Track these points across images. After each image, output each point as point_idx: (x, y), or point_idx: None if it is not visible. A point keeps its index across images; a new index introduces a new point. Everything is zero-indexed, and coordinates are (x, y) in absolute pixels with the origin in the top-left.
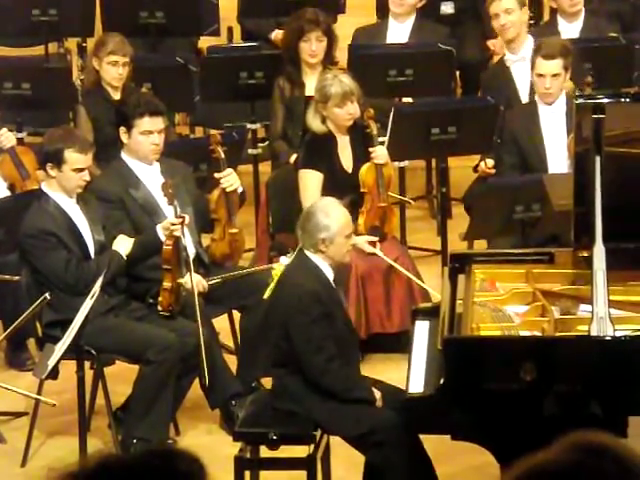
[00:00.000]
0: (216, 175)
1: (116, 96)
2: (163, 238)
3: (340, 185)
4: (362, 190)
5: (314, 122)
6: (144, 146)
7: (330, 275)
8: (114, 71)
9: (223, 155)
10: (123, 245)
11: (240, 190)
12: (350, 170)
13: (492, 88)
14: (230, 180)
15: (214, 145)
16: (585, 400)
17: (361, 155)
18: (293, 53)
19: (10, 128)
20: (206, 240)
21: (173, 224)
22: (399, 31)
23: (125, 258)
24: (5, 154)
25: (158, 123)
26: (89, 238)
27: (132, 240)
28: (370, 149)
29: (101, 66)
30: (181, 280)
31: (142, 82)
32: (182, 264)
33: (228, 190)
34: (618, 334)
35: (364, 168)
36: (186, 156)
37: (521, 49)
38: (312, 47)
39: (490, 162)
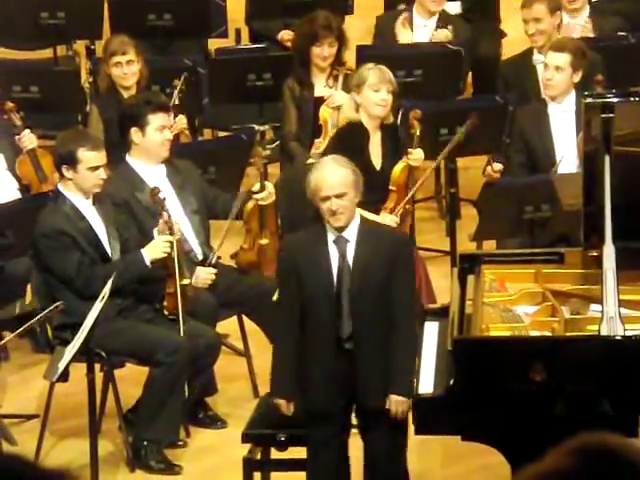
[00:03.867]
0: (253, 189)
1: (127, 93)
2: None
3: (367, 181)
4: (390, 187)
5: (348, 108)
6: (159, 142)
7: (331, 236)
8: (119, 71)
9: (263, 169)
10: (151, 250)
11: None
12: (378, 167)
13: (512, 82)
14: (267, 196)
15: (256, 159)
16: (595, 400)
17: (391, 154)
18: (304, 56)
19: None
20: (233, 247)
21: (164, 241)
22: (423, 29)
23: (149, 264)
24: (25, 155)
25: (167, 119)
26: (105, 240)
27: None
28: (409, 150)
29: (110, 70)
30: (185, 282)
31: (150, 84)
32: (184, 266)
33: (262, 204)
34: (628, 334)
35: (399, 167)
36: (195, 158)
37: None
38: (324, 52)
39: (497, 166)
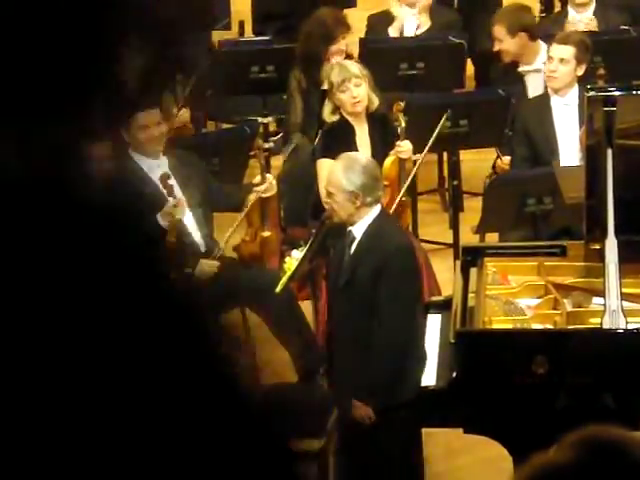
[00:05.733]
0: (254, 182)
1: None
2: (164, 224)
3: None
4: (383, 182)
5: (325, 111)
6: (142, 140)
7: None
8: None
9: (264, 161)
10: None
11: None
12: None
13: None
14: (268, 188)
15: (256, 151)
16: (597, 393)
17: (380, 145)
18: (319, 56)
19: None
20: (235, 239)
21: (175, 206)
22: (411, 17)
23: None
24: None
25: (153, 116)
26: None
27: None
28: (397, 142)
29: None
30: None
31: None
32: (189, 254)
33: (264, 196)
34: (630, 327)
35: (388, 162)
36: (198, 150)
37: (537, 60)
38: (342, 46)
39: (506, 158)
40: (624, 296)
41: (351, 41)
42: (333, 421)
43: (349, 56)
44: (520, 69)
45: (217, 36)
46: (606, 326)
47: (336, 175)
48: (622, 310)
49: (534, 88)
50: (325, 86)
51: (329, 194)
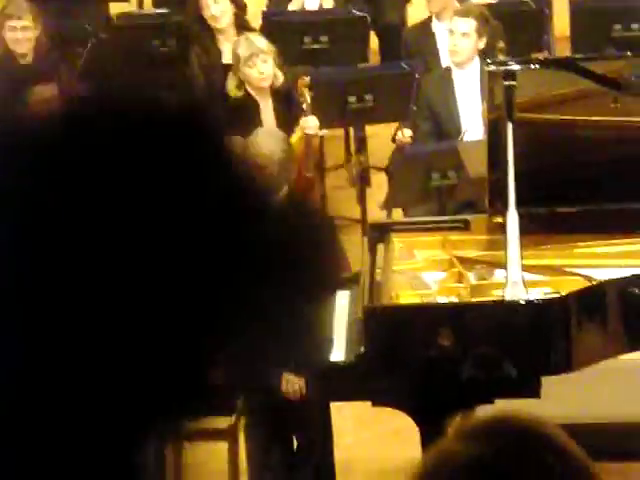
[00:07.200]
0: (302, 119)
1: (24, 60)
2: None
3: None
4: None
5: (230, 86)
6: None
7: None
8: (12, 35)
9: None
10: None
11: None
12: None
13: (414, 49)
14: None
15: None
16: (500, 363)
17: (285, 121)
18: (201, 21)
19: None
20: None
21: None
22: None
23: None
24: None
25: (52, 89)
26: None
27: None
28: (303, 118)
29: (5, 33)
30: None
31: (51, 50)
32: None
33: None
34: (531, 298)
35: (295, 138)
36: None
37: (448, 18)
38: (211, 11)
39: (407, 132)
40: (525, 268)
41: (254, 14)
42: (244, 398)
43: (252, 29)
44: (432, 24)
45: (115, 8)
46: (508, 298)
47: (265, 148)
48: (523, 282)
49: (445, 47)
50: (229, 61)
51: (261, 168)
